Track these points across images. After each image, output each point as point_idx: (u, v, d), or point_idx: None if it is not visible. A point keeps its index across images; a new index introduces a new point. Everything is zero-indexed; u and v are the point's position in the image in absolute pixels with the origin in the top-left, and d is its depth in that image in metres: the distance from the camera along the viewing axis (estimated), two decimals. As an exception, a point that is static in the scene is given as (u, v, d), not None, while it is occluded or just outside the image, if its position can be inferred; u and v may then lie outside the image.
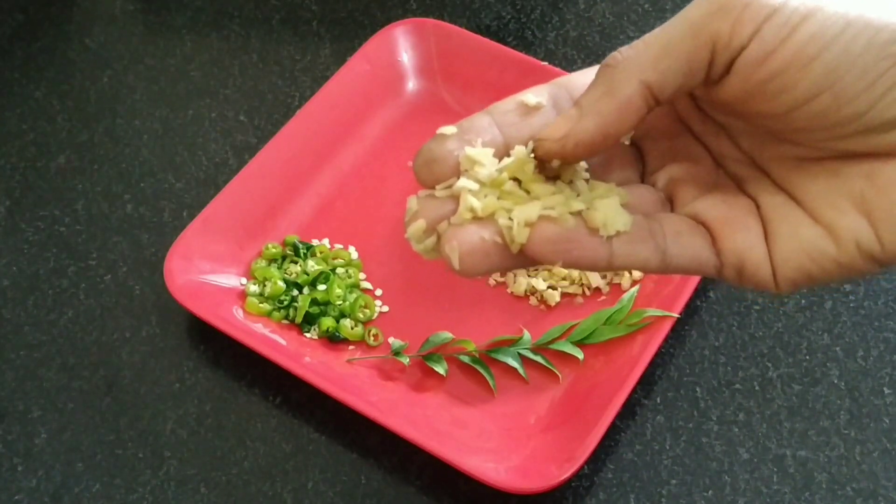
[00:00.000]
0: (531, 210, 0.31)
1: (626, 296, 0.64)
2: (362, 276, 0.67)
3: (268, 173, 0.69)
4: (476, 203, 0.31)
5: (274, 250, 0.67)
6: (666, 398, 0.62)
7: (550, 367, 0.62)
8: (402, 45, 0.76)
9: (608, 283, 0.66)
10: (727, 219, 0.33)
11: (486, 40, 0.76)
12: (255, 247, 0.68)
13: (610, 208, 0.32)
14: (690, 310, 0.65)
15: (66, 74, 0.80)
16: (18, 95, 0.78)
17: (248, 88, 0.78)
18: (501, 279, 0.67)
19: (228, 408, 0.62)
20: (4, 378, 0.64)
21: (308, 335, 0.64)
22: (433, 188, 0.33)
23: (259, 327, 0.64)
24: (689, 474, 0.59)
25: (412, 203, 0.33)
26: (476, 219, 0.31)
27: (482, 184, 0.32)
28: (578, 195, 0.32)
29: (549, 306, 0.65)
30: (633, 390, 0.59)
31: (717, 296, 0.66)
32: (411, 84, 0.76)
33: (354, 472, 0.60)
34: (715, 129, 0.35)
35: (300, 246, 0.67)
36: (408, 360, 0.62)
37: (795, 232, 0.32)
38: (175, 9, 0.84)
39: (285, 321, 0.65)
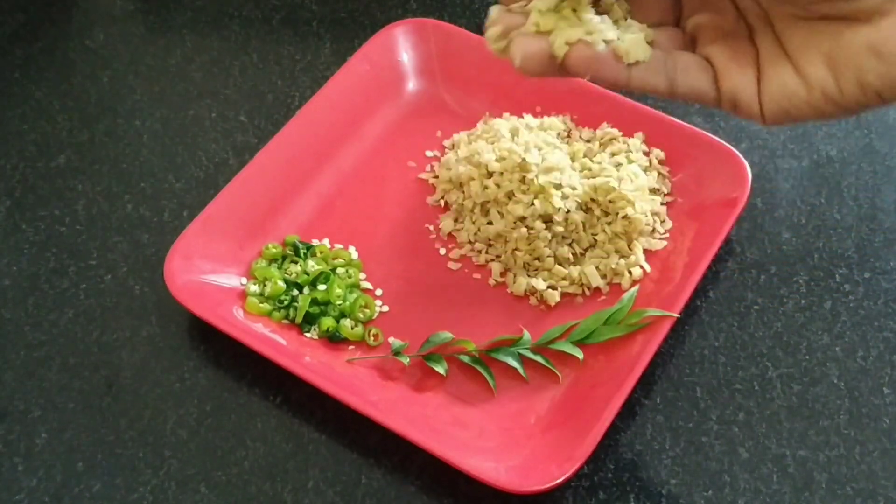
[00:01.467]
0: (573, 33, 0.40)
1: (625, 296, 0.64)
2: (362, 276, 0.67)
3: (268, 173, 0.69)
4: (540, 20, 0.40)
5: (274, 250, 0.67)
6: (666, 398, 0.62)
7: (550, 366, 0.62)
8: (402, 45, 0.76)
9: (608, 283, 0.66)
10: (730, 63, 0.41)
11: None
12: (256, 247, 0.68)
13: (634, 42, 0.41)
14: (690, 310, 0.65)
15: (67, 74, 0.80)
16: (19, 95, 0.78)
17: (248, 88, 0.79)
18: (501, 279, 0.67)
19: (229, 407, 0.62)
20: (5, 378, 0.64)
21: (308, 335, 0.64)
22: (508, 5, 0.42)
23: (259, 327, 0.64)
24: (689, 474, 0.59)
25: (493, 11, 0.42)
26: (538, 32, 0.41)
27: (548, 8, 0.41)
28: (619, 29, 0.41)
29: (548, 306, 0.65)
30: (633, 390, 0.59)
31: (716, 296, 0.66)
32: (411, 84, 0.76)
33: (354, 471, 0.60)
34: None
35: (300, 246, 0.67)
36: (408, 359, 0.62)
37: (779, 78, 0.40)
38: (175, 9, 0.84)
39: (285, 321, 0.65)
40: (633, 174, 0.67)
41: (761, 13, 0.42)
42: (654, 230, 0.68)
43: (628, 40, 0.41)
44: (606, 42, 0.41)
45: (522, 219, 0.66)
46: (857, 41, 0.38)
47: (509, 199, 0.66)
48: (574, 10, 0.41)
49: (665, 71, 0.42)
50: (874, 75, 0.38)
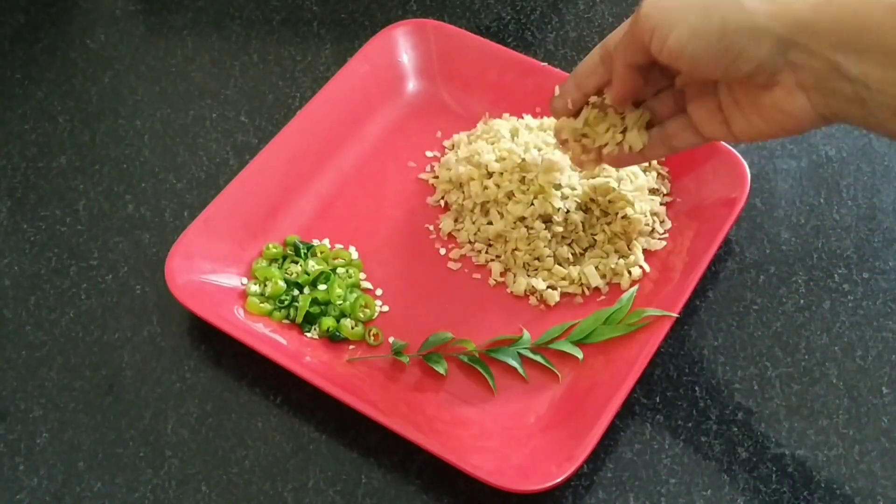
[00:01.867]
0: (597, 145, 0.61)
1: (625, 296, 0.64)
2: (363, 275, 0.67)
3: (268, 173, 0.70)
4: (575, 148, 0.62)
5: (275, 250, 0.67)
6: (665, 398, 0.63)
7: (550, 366, 0.62)
8: (402, 45, 0.76)
9: (607, 283, 0.66)
10: (703, 118, 0.57)
11: (485, 41, 0.76)
12: (256, 247, 0.68)
13: (632, 138, 0.59)
14: (689, 310, 0.65)
15: (68, 75, 0.80)
16: (20, 96, 0.79)
17: (248, 89, 0.79)
18: (501, 279, 0.67)
19: (229, 407, 0.63)
20: (6, 377, 0.64)
21: (309, 335, 0.64)
22: (557, 118, 0.62)
23: (260, 327, 0.64)
24: (688, 473, 0.60)
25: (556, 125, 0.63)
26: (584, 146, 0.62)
27: (577, 129, 0.61)
28: (639, 116, 0.59)
29: (548, 306, 0.66)
30: (633, 390, 0.60)
31: (715, 296, 0.67)
32: (411, 84, 0.76)
33: (355, 471, 0.60)
34: None
35: (301, 246, 0.67)
36: (408, 359, 0.63)
37: (737, 122, 0.55)
38: (176, 9, 0.84)
39: (286, 321, 0.65)
40: (632, 174, 0.68)
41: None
42: (653, 230, 0.68)
43: (628, 138, 0.59)
44: (619, 144, 0.60)
45: (522, 219, 0.66)
46: (768, 102, 0.53)
47: (509, 199, 0.67)
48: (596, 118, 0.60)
49: (662, 141, 0.60)
50: (785, 123, 0.53)
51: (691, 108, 0.57)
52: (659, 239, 0.68)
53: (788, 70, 0.51)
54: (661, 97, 0.60)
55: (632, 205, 0.66)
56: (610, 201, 0.66)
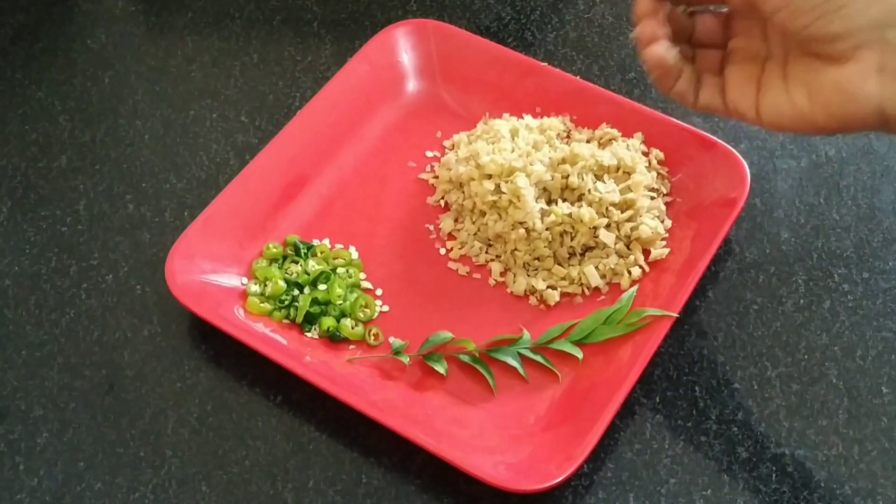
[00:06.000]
0: None
1: (625, 295, 0.64)
2: (363, 275, 0.67)
3: (269, 173, 0.70)
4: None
5: (275, 250, 0.67)
6: (665, 397, 0.63)
7: (550, 366, 0.62)
8: (402, 45, 0.76)
9: (607, 283, 0.66)
10: (735, 80, 0.54)
11: (485, 41, 0.76)
12: (256, 247, 0.68)
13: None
14: (689, 309, 0.65)
15: (68, 75, 0.80)
16: (20, 96, 0.79)
17: (249, 89, 0.79)
18: (501, 279, 0.67)
19: (229, 407, 0.63)
20: (6, 377, 0.64)
21: (309, 335, 0.64)
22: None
23: (260, 327, 0.64)
24: (688, 473, 0.60)
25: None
26: None
27: None
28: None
29: (548, 306, 0.66)
30: (633, 389, 0.60)
31: (715, 295, 0.67)
32: (411, 84, 0.76)
33: (355, 471, 0.60)
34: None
35: (301, 246, 0.67)
36: (408, 359, 0.63)
37: (773, 96, 0.52)
38: (176, 10, 0.84)
39: (286, 321, 0.65)
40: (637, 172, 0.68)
41: (780, 41, 0.52)
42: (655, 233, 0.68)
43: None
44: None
45: (522, 222, 0.66)
46: (829, 78, 0.48)
47: (509, 204, 0.67)
48: None
49: (693, 87, 0.55)
50: (837, 107, 0.48)
51: (729, 70, 0.54)
52: (661, 248, 0.67)
53: (876, 48, 0.46)
54: (709, 54, 0.56)
55: (643, 218, 0.66)
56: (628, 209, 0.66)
